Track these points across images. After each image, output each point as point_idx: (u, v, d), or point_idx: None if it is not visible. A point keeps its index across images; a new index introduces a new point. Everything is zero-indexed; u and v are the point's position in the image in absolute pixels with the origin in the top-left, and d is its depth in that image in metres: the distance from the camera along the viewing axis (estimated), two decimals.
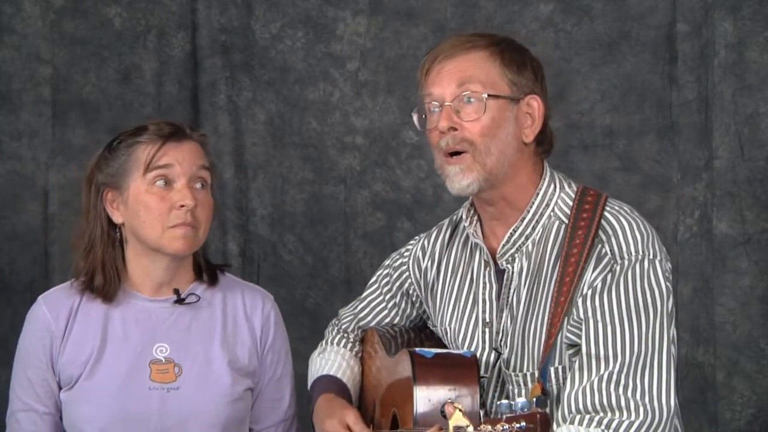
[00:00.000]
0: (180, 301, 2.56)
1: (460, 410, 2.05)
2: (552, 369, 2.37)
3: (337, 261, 4.06)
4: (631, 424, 2.23)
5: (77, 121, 3.97)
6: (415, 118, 2.51)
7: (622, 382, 2.25)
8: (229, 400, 2.58)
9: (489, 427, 1.96)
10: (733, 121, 3.95)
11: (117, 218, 2.52)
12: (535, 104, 2.47)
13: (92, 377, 2.58)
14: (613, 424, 2.23)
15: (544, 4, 4.03)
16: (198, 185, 2.52)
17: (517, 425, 1.92)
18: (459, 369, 2.41)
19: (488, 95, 2.41)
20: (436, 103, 2.45)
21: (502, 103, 2.43)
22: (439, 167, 2.50)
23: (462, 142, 2.43)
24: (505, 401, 1.96)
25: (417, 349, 2.49)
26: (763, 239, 3.92)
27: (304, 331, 3.71)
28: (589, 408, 2.25)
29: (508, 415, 1.95)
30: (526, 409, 1.95)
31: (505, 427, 1.93)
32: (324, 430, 2.54)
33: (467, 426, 2.00)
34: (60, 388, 2.62)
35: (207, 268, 2.66)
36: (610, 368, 2.26)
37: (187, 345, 2.58)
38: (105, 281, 2.57)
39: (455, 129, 2.42)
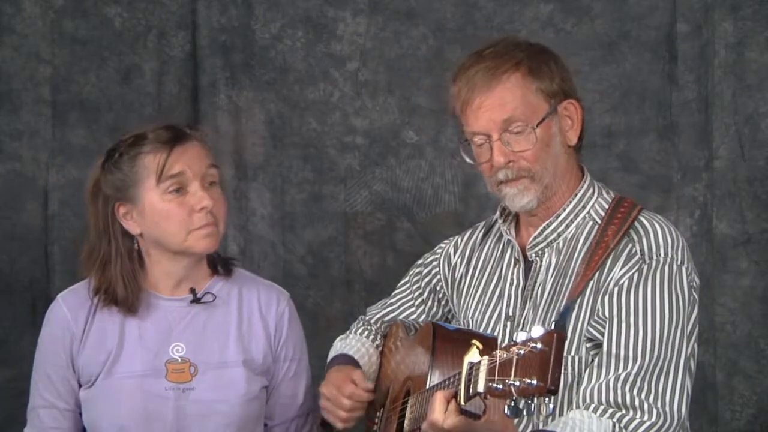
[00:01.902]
0: (196, 300, 2.58)
1: (477, 347, 2.04)
2: (569, 358, 2.40)
3: (337, 261, 4.06)
4: (641, 423, 2.27)
5: (77, 121, 3.96)
6: (463, 153, 2.56)
7: (638, 384, 2.29)
8: (244, 399, 2.60)
9: (504, 354, 1.93)
10: (733, 121, 3.95)
11: (134, 230, 2.53)
12: (572, 107, 2.53)
13: (110, 377, 2.59)
14: (624, 420, 2.27)
15: (544, 4, 4.03)
16: (208, 183, 2.54)
17: (533, 345, 1.88)
18: None
19: (535, 124, 2.45)
20: (482, 137, 2.49)
21: (547, 122, 2.48)
22: (495, 191, 2.56)
23: (520, 171, 2.49)
24: (522, 332, 1.94)
25: (440, 322, 2.51)
26: (763, 239, 3.92)
27: (305, 330, 3.70)
28: (604, 402, 2.29)
29: (524, 340, 1.91)
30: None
31: (520, 351, 1.90)
32: (329, 380, 2.58)
33: (480, 360, 1.98)
34: (80, 386, 2.63)
35: (220, 261, 2.67)
36: (628, 369, 2.30)
37: (202, 345, 2.59)
38: (127, 293, 2.56)
39: (512, 161, 2.47)
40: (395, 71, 4.01)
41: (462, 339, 2.44)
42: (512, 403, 1.90)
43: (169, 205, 2.47)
